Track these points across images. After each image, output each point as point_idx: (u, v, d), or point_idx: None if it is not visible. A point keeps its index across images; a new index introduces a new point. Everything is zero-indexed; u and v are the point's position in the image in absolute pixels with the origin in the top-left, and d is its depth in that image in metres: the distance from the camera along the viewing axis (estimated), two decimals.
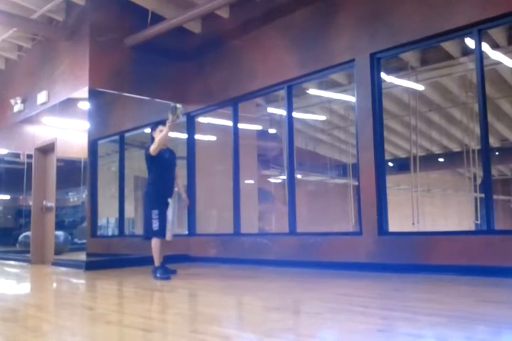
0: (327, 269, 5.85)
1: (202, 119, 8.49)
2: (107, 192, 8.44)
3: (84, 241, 7.43)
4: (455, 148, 14.39)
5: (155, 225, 5.49)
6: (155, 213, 5.51)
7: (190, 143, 8.34)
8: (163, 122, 5.69)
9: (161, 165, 5.67)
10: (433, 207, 14.38)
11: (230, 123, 7.78)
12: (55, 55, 8.26)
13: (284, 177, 8.38)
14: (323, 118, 13.26)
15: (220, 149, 8.48)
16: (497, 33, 7.26)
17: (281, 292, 4.37)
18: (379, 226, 5.67)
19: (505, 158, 14.24)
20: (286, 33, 6.91)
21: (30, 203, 8.69)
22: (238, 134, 7.69)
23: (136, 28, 7.50)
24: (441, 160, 15.17)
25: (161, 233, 5.53)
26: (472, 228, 10.73)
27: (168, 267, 5.71)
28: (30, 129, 9.31)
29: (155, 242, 5.52)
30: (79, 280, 6.14)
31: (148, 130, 8.04)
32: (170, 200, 5.71)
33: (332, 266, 5.89)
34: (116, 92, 7.64)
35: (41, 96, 8.45)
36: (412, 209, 10.93)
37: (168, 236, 5.64)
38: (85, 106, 7.51)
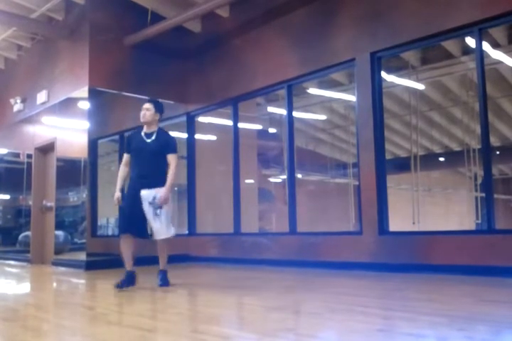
0: (327, 269, 5.84)
1: (202, 119, 8.48)
2: (106, 191, 8.42)
3: (84, 240, 7.42)
4: (456, 147, 14.35)
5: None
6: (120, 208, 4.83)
7: (190, 142, 8.33)
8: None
9: (133, 152, 4.86)
10: (434, 207, 14.35)
11: (230, 122, 7.77)
12: (54, 54, 8.25)
13: (285, 176, 8.36)
14: (323, 117, 13.23)
15: (220, 149, 8.47)
16: (498, 32, 7.24)
17: (281, 292, 4.36)
18: (379, 225, 5.66)
19: (505, 158, 14.20)
20: (286, 32, 6.89)
21: (30, 203, 8.68)
22: (238, 134, 7.68)
23: (136, 27, 7.49)
24: (441, 159, 15.13)
25: (120, 230, 4.75)
26: (473, 227, 10.72)
27: (135, 277, 4.59)
28: (30, 129, 9.30)
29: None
30: (79, 280, 6.14)
31: None
32: (145, 192, 4.63)
33: (332, 266, 5.88)
34: (116, 92, 7.64)
35: (41, 96, 8.44)
36: (413, 209, 10.91)
37: (158, 235, 4.63)
38: (85, 105, 7.50)
